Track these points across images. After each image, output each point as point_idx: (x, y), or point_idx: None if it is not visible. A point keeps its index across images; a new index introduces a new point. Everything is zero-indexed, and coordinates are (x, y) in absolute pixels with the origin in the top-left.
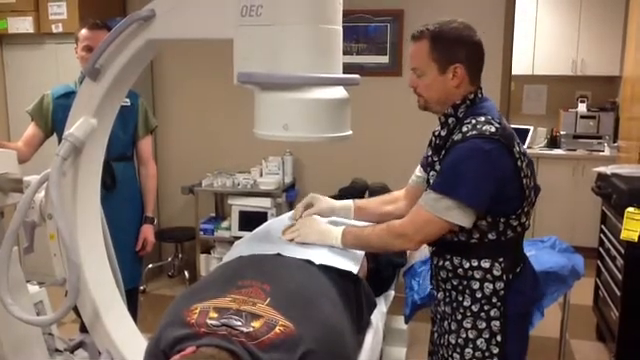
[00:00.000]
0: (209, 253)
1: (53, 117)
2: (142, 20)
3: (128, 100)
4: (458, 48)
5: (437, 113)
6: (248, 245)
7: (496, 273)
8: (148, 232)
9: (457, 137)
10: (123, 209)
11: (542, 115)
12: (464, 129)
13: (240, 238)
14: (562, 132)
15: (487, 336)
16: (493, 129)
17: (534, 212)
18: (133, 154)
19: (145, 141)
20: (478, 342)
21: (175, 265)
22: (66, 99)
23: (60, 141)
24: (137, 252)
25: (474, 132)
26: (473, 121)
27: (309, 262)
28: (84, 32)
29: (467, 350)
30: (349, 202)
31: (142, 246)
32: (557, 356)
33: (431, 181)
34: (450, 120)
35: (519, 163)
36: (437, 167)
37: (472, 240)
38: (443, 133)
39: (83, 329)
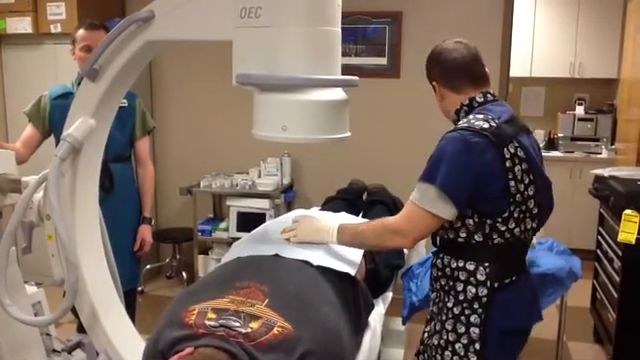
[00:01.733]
0: (207, 254)
1: (50, 118)
2: (141, 21)
3: (125, 101)
4: (432, 67)
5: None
6: (246, 246)
7: (480, 278)
8: (146, 232)
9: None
10: (121, 210)
11: (540, 117)
12: (459, 123)
13: (238, 239)
14: (560, 134)
15: (465, 342)
16: (486, 125)
17: None
18: (131, 155)
19: (143, 142)
20: (456, 346)
21: (173, 266)
22: (63, 100)
23: (58, 142)
24: (135, 253)
25: (465, 125)
26: (470, 116)
27: (307, 263)
28: (81, 32)
29: (446, 353)
30: None
31: (140, 247)
32: (554, 358)
33: None
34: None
35: (508, 164)
36: None
37: (459, 239)
38: None
39: (81, 329)
